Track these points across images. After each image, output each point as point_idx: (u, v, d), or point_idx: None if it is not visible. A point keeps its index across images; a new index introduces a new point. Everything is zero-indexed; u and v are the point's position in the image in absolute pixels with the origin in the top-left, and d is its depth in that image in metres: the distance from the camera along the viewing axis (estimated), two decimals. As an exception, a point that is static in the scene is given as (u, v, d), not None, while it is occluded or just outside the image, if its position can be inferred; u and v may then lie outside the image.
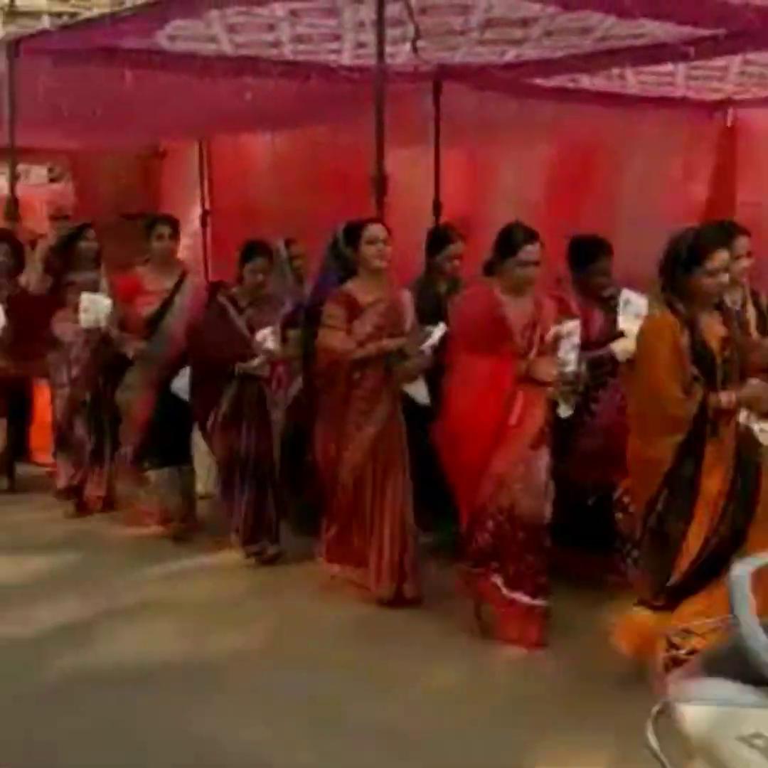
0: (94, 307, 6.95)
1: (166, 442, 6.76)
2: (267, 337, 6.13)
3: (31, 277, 7.77)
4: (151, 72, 7.75)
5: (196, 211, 11.68)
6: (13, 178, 8.56)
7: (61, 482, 7.40)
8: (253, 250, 6.32)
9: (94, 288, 7.30)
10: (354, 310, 5.50)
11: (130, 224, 12.13)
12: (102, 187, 12.88)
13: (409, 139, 8.65)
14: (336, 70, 8.09)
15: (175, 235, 6.97)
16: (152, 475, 6.80)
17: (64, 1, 22.59)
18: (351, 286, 5.60)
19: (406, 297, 5.72)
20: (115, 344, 6.89)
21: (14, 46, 7.83)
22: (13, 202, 8.47)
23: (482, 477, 4.94)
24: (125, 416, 6.94)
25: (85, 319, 6.98)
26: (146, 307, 6.80)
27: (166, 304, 6.80)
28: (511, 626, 4.97)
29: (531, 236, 4.99)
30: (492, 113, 8.66)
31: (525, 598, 4.94)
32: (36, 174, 17.02)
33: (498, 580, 4.97)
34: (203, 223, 11.69)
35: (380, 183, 6.19)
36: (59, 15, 20.26)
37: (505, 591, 4.95)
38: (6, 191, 8.77)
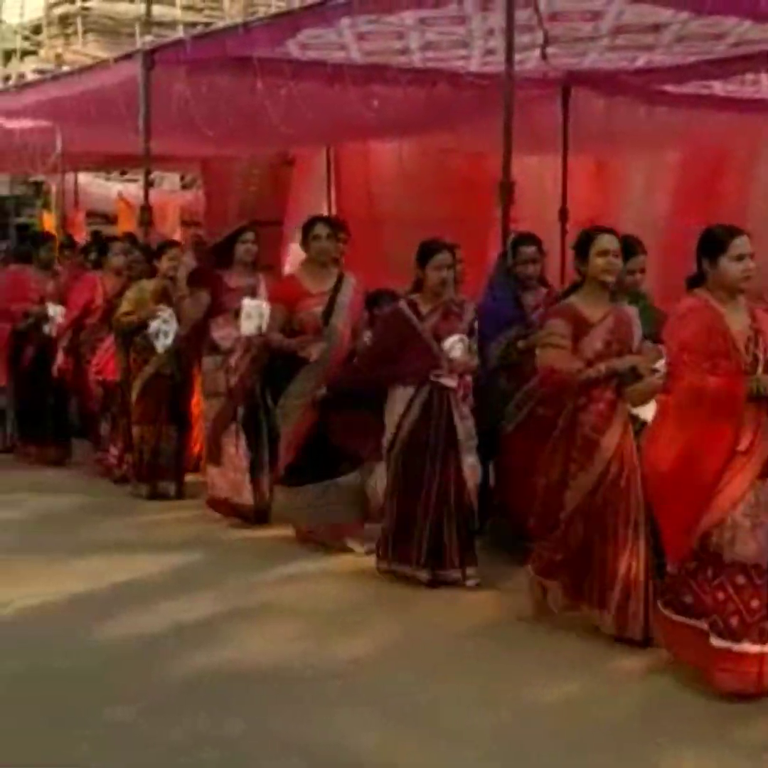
0: (256, 312, 6.64)
1: (325, 454, 6.37)
2: (454, 346, 5.69)
3: (186, 303, 7.38)
4: (282, 80, 7.88)
5: (322, 218, 11.78)
6: (147, 185, 8.78)
7: (218, 493, 7.10)
8: (435, 246, 5.87)
9: (253, 293, 6.95)
10: (581, 326, 5.07)
11: (259, 231, 12.33)
12: (232, 194, 13.12)
13: (536, 146, 8.61)
14: (464, 77, 8.11)
15: (332, 235, 6.66)
16: (299, 491, 6.51)
17: (198, 11, 23.10)
18: (575, 300, 5.16)
19: (633, 311, 5.27)
20: (286, 349, 6.44)
21: (150, 56, 8.03)
22: (147, 209, 8.70)
23: (701, 512, 4.38)
24: (285, 424, 6.52)
25: (247, 326, 6.65)
26: (314, 309, 6.44)
27: (331, 305, 6.45)
28: (739, 678, 4.36)
29: (736, 230, 4.55)
30: (621, 120, 8.58)
31: (754, 647, 4.33)
32: (169, 181, 17.46)
33: (710, 628, 4.42)
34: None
35: (507, 190, 6.17)
36: (193, 25, 20.71)
37: (720, 642, 4.37)
38: (141, 198, 8.98)
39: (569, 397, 5.06)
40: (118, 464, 8.22)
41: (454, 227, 8.66)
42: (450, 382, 5.74)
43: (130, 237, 9.28)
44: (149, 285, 7.79)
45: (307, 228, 6.60)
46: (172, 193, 16.09)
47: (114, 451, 8.30)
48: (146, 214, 8.71)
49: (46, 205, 14.81)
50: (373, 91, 7.96)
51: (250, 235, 7.23)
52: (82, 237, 13.07)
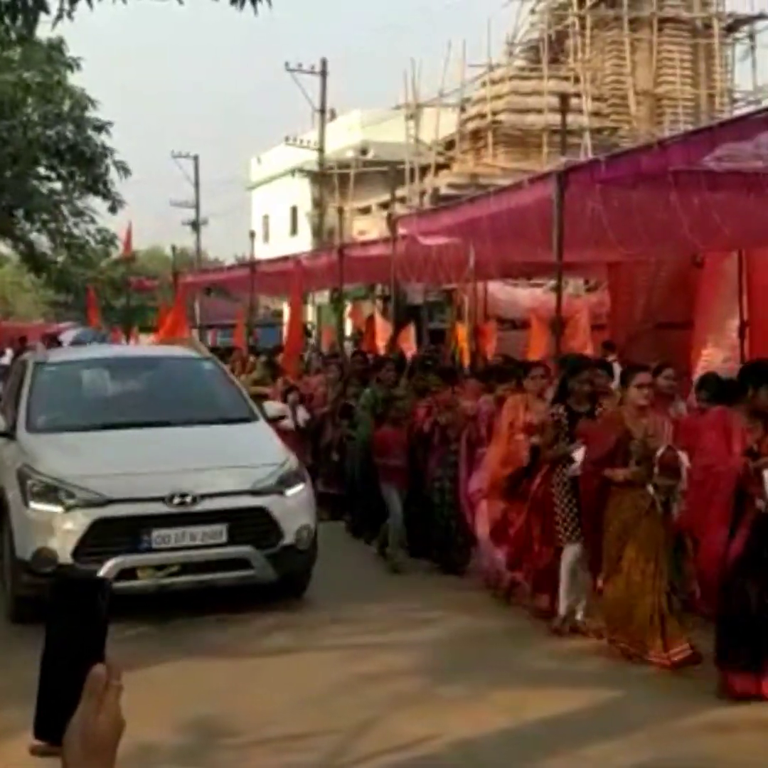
0: None
1: None
2: None
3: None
4: (696, 191, 7.80)
5: (734, 323, 11.35)
6: (559, 301, 8.95)
7: None
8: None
9: None
10: None
11: (661, 333, 12.14)
12: (637, 296, 13.02)
13: None
14: None
15: None
16: None
17: (604, 116, 23.41)
18: None
19: None
20: None
21: (564, 176, 8.20)
22: (560, 322, 8.87)
23: None
24: None
25: None
26: None
27: None
28: None
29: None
30: None
31: None
32: (573, 285, 17.68)
33: None
34: (741, 335, 11.32)
35: None
36: (599, 130, 21.10)
37: None
38: (548, 304, 9.19)
39: None
40: None
41: None
42: None
43: None
44: None
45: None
46: (578, 298, 16.26)
47: None
48: (558, 325, 8.89)
49: (459, 317, 15.38)
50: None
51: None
52: (491, 347, 13.45)
